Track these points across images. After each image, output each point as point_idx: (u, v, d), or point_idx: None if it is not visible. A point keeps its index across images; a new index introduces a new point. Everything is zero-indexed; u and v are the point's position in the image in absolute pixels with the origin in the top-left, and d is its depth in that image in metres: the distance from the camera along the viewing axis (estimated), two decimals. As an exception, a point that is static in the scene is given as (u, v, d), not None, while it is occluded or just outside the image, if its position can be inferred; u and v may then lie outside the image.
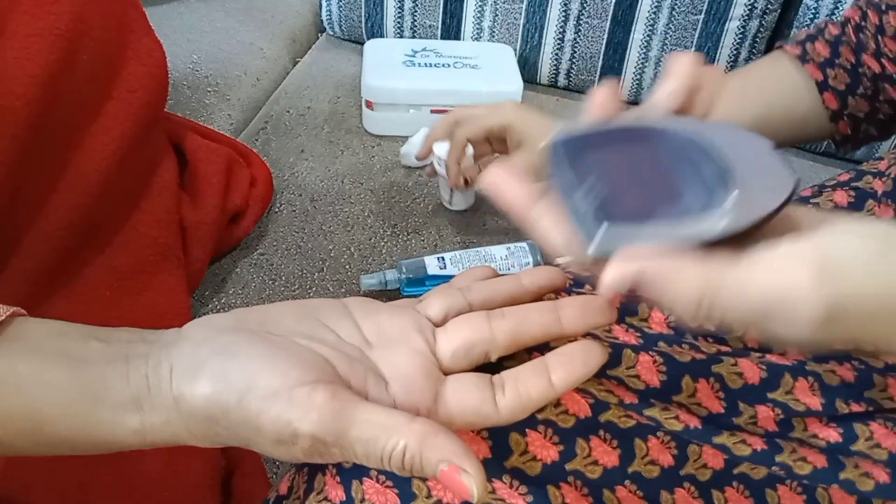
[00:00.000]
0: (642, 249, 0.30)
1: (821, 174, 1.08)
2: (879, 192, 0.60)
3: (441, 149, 0.88)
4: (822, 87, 0.71)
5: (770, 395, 0.46)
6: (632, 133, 0.36)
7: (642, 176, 0.35)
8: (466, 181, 0.84)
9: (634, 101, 1.18)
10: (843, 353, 0.53)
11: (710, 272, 0.29)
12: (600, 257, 0.31)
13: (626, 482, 0.41)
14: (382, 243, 0.90)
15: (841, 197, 0.62)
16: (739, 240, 0.31)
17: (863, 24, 0.69)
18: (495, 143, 0.82)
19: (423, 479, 0.39)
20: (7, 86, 0.60)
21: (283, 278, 0.85)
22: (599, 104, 0.37)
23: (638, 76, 1.14)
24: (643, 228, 0.31)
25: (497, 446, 0.40)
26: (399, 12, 1.16)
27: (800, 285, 0.28)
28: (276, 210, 0.93)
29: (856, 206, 0.61)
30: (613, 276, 0.30)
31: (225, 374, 0.34)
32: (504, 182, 0.36)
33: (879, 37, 0.67)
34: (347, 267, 0.87)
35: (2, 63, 0.60)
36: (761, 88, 0.75)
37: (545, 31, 1.13)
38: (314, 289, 0.84)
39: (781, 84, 0.74)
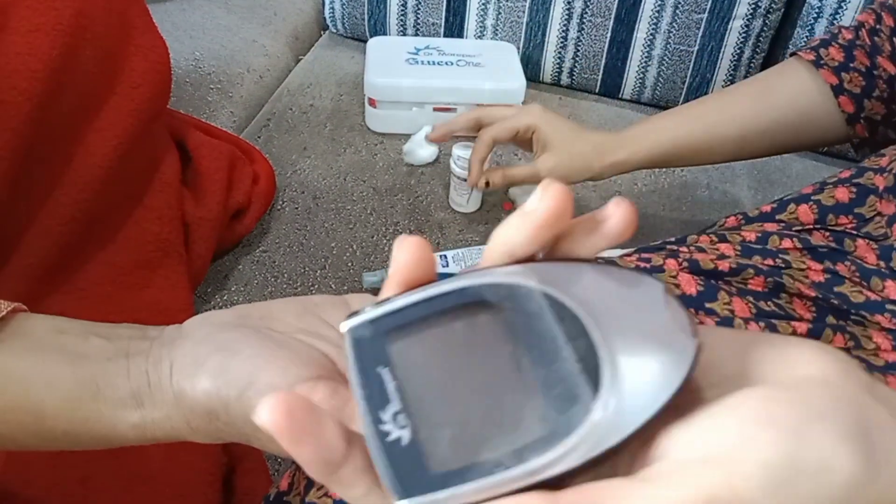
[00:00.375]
0: None
1: (823, 173, 1.08)
2: (881, 188, 0.60)
3: (463, 150, 0.88)
4: (837, 91, 0.71)
5: None
6: (459, 299, 0.25)
7: (471, 378, 0.24)
8: (487, 183, 0.84)
9: (637, 101, 1.18)
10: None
11: None
12: None
13: None
14: (385, 241, 0.90)
15: (842, 193, 0.62)
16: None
17: (877, 27, 0.69)
18: (521, 145, 0.83)
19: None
20: (9, 81, 0.60)
21: (286, 275, 0.85)
22: (404, 266, 0.26)
23: (641, 75, 1.14)
24: (467, 483, 0.22)
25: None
26: (402, 10, 1.16)
27: None
28: (279, 207, 0.93)
29: (857, 202, 0.61)
30: None
31: (225, 370, 0.34)
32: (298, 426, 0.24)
33: (894, 39, 0.67)
34: (350, 264, 0.87)
35: (4, 58, 0.60)
36: (775, 94, 0.75)
37: (548, 29, 1.13)
38: (316, 286, 0.84)
39: (795, 90, 0.74)
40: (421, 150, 0.99)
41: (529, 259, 0.26)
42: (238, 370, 0.34)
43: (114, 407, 0.35)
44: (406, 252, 0.26)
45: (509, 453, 0.23)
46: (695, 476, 0.22)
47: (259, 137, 1.03)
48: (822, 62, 0.72)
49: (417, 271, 0.27)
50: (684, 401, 0.24)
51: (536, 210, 0.25)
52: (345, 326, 0.26)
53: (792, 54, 0.77)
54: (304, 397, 0.24)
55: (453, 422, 0.24)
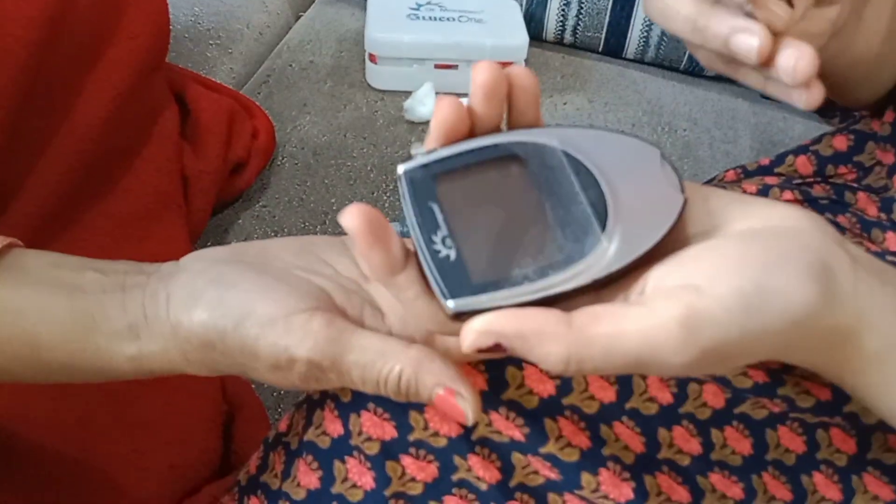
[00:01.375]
0: (500, 316, 0.28)
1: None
2: (879, 133, 0.59)
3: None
4: None
5: None
6: (494, 152, 0.31)
7: (504, 212, 0.30)
8: None
9: (640, 60, 1.17)
10: None
11: (575, 338, 0.27)
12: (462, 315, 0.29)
13: (624, 418, 0.41)
14: (385, 197, 0.90)
15: (840, 142, 0.62)
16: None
17: None
18: None
19: (420, 412, 0.40)
20: (6, 27, 0.60)
21: (285, 230, 0.85)
22: (445, 121, 0.31)
23: (645, 33, 1.13)
24: (501, 290, 0.29)
25: (494, 379, 0.40)
26: (404, -34, 1.14)
27: (668, 346, 0.27)
28: (279, 163, 0.92)
29: (856, 149, 0.60)
30: (471, 341, 0.28)
31: (222, 301, 0.34)
32: (366, 237, 0.29)
33: None
34: (349, 220, 0.86)
35: (0, 5, 0.59)
36: None
37: (552, -14, 1.11)
38: (316, 241, 0.84)
39: None
40: (422, 107, 0.98)
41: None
42: (235, 302, 0.34)
43: (110, 339, 0.35)
44: (446, 109, 0.31)
45: (535, 270, 0.29)
46: (677, 297, 0.27)
47: (259, 94, 1.02)
48: None
49: (457, 125, 0.31)
50: (672, 246, 0.30)
51: (476, 86, 0.31)
52: (401, 168, 0.31)
53: None
54: (378, 211, 0.29)
55: (490, 245, 0.29)
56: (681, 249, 0.30)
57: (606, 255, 0.29)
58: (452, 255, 0.29)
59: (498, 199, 0.31)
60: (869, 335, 0.31)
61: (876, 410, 0.35)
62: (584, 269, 0.29)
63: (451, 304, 0.28)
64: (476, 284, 0.29)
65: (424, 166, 0.31)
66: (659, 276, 0.29)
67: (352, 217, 0.29)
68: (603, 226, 0.29)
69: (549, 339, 0.27)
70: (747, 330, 0.27)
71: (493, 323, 0.28)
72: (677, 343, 0.27)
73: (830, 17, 0.41)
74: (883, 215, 0.58)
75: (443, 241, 0.29)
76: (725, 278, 0.27)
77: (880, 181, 0.59)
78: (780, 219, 0.30)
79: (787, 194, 0.61)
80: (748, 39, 0.36)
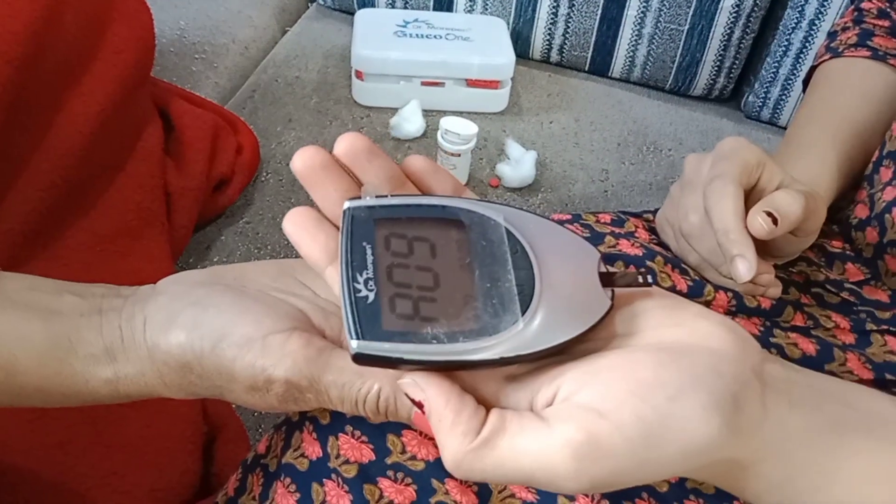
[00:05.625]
0: (431, 383, 0.28)
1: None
2: None
3: (449, 123, 0.87)
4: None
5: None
6: (440, 212, 0.31)
7: (433, 270, 0.30)
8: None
9: (626, 80, 1.18)
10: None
11: (472, 447, 0.27)
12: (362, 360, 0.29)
13: None
14: (369, 214, 0.89)
15: None
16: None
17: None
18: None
19: (398, 435, 0.39)
20: (-12, 42, 0.59)
21: (269, 247, 0.84)
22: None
23: (631, 53, 1.14)
24: (406, 344, 0.28)
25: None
26: (391, -17, 1.15)
27: (560, 471, 0.27)
28: (263, 179, 0.92)
29: None
30: (406, 382, 0.29)
31: (199, 323, 0.34)
32: (303, 231, 0.32)
33: None
34: (334, 237, 0.86)
35: (-17, 19, 0.59)
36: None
37: (538, 5, 1.12)
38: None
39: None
40: (408, 125, 0.99)
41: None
42: (212, 323, 0.34)
43: (86, 362, 0.35)
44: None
45: (446, 333, 0.28)
46: (578, 422, 0.27)
47: (244, 109, 1.02)
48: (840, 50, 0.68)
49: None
50: (589, 342, 0.30)
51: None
52: (346, 204, 0.31)
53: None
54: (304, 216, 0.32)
55: (410, 298, 0.29)
56: (598, 352, 0.30)
57: (519, 337, 0.29)
58: (371, 297, 0.29)
59: (431, 255, 0.30)
60: (771, 465, 0.30)
61: None
62: (493, 345, 0.28)
63: (354, 343, 0.28)
64: (384, 332, 0.28)
65: (370, 207, 0.31)
66: (570, 387, 0.29)
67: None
68: (524, 308, 0.29)
69: (452, 434, 0.27)
70: (644, 459, 0.27)
71: (426, 384, 0.28)
72: (568, 472, 0.27)
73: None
74: (847, 245, 0.59)
75: (365, 283, 0.29)
76: (631, 403, 0.27)
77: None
78: (703, 337, 0.30)
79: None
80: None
